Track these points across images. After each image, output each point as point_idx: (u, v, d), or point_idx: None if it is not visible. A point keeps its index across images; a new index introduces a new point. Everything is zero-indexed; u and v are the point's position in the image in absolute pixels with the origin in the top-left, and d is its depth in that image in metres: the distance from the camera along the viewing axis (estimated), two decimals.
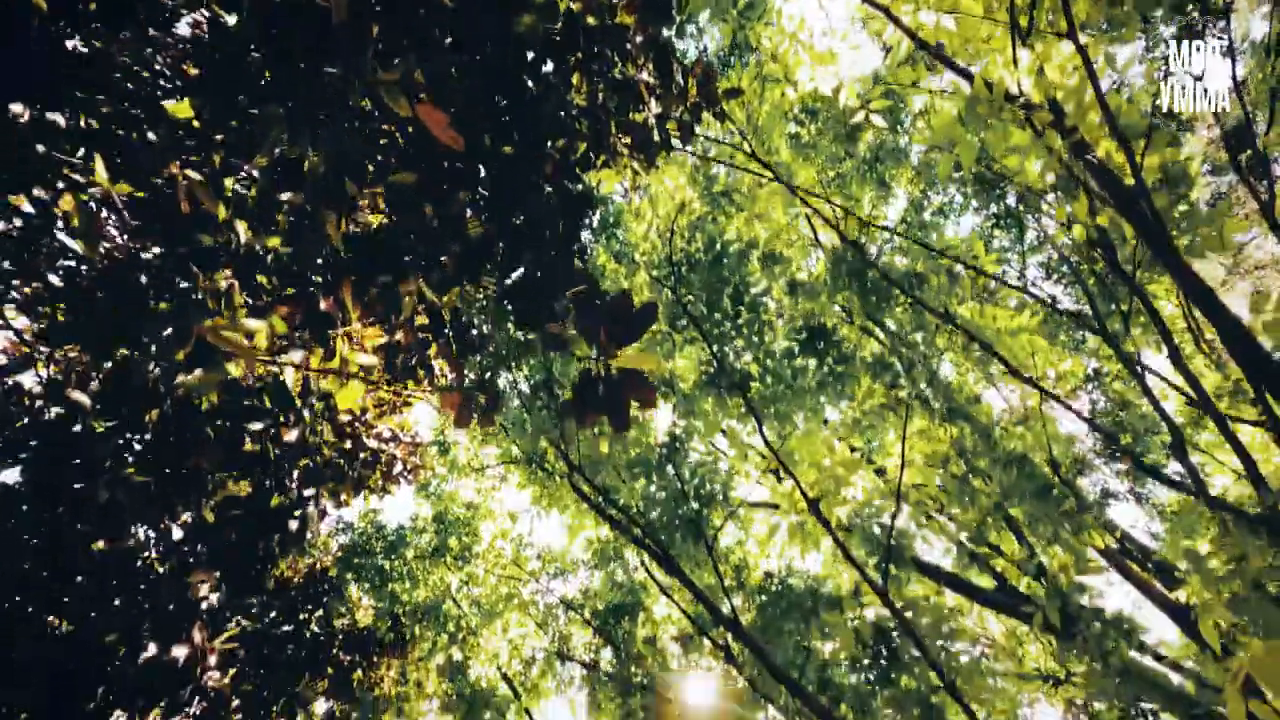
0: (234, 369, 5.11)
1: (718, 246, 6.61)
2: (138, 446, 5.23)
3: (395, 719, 9.26)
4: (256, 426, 4.78)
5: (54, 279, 4.02)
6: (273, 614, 9.52)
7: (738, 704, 7.23)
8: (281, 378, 5.16)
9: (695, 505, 7.58)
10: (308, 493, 6.12)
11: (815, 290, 5.77)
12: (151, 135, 3.50)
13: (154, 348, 4.77)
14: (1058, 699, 7.29)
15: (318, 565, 11.07)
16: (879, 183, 6.34)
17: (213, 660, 5.55)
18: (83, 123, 3.46)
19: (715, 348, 6.22)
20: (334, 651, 10.64)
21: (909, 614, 4.93)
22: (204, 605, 5.86)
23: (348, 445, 8.75)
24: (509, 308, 4.35)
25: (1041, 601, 7.82)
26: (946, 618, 4.68)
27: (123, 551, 5.92)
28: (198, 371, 4.98)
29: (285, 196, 3.81)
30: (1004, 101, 4.00)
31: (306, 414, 5.42)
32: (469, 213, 3.85)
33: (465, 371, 7.39)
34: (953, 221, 6.58)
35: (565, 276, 4.07)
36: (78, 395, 5.37)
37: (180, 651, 5.31)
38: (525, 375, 8.21)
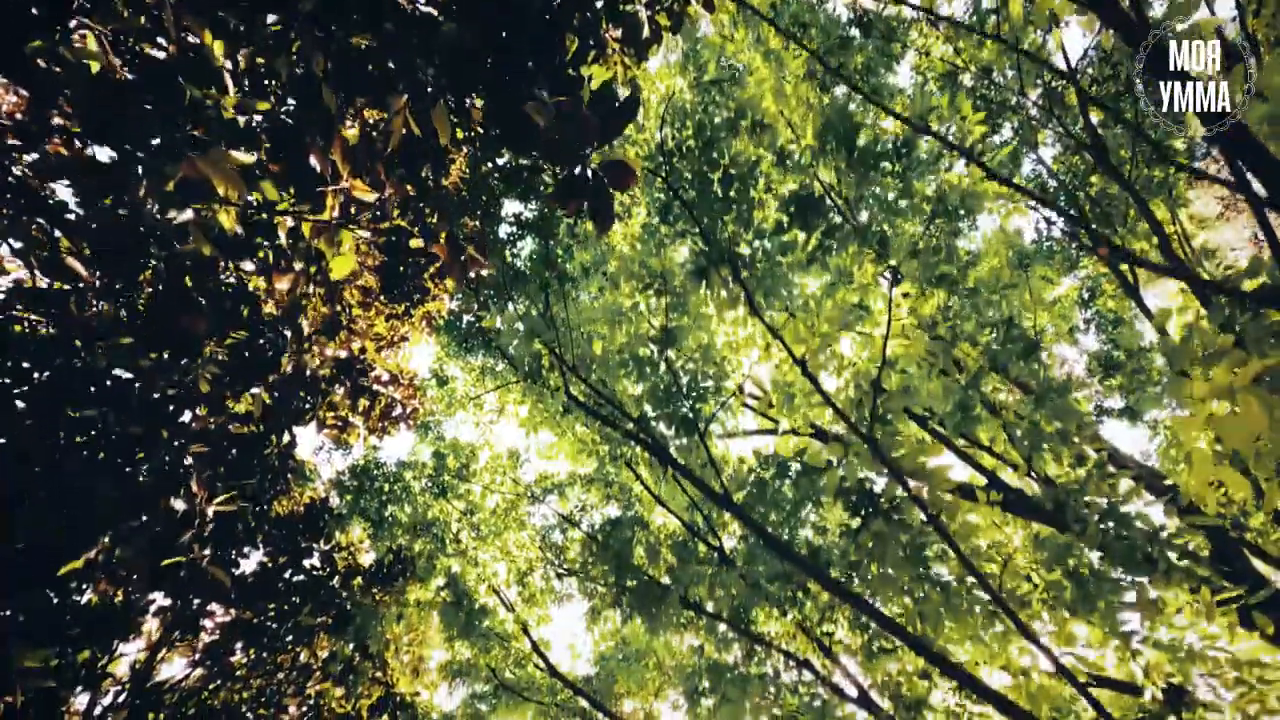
0: (225, 220, 5.16)
1: (708, 132, 6.62)
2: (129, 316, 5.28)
3: (395, 624, 9.41)
4: (249, 267, 4.83)
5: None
6: (276, 546, 9.59)
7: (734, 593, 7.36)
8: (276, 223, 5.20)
9: (688, 402, 7.65)
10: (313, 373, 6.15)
11: (804, 162, 5.80)
12: None
13: (145, 172, 4.82)
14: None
15: (318, 497, 11.18)
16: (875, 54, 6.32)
17: (210, 512, 5.65)
18: None
19: (705, 221, 6.26)
20: (334, 585, 10.77)
21: (894, 455, 5.01)
22: (203, 475, 5.96)
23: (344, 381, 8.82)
24: (495, 132, 4.38)
25: (1037, 497, 7.90)
26: (928, 452, 4.76)
27: (122, 420, 5.99)
28: (188, 212, 5.04)
29: (271, 19, 3.83)
30: None
31: (299, 266, 5.48)
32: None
33: (454, 231, 7.39)
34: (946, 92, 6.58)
35: (547, 74, 4.10)
36: (73, 263, 5.42)
37: (178, 504, 5.41)
38: (523, 260, 8.24)
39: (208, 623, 8.74)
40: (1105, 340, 10.60)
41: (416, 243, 9.84)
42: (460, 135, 8.90)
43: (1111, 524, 4.90)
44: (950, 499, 4.80)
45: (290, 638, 9.62)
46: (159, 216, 4.78)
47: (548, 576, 9.83)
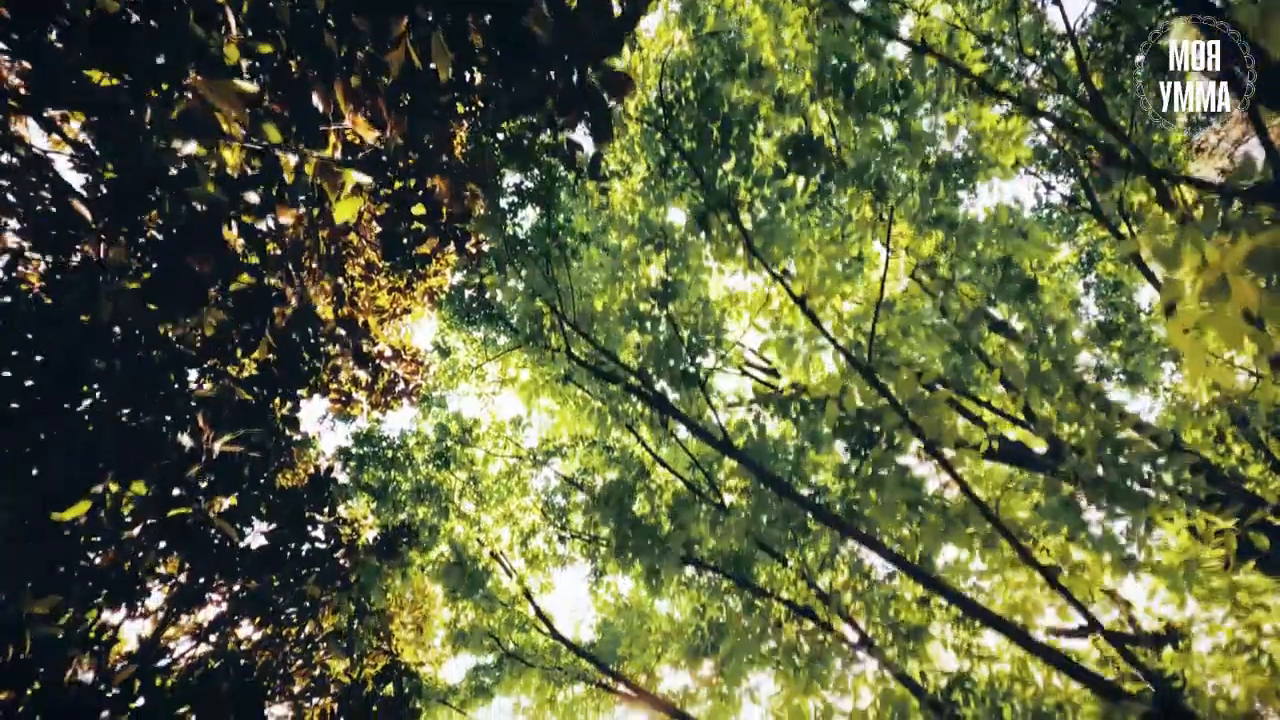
0: (229, 156, 5.21)
1: (707, 81, 6.66)
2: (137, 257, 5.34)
3: (400, 591, 9.48)
4: (253, 198, 4.88)
5: None
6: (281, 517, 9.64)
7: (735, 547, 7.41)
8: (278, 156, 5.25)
9: (688, 357, 7.71)
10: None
11: (802, 103, 5.83)
12: None
13: (149, 107, 4.88)
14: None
15: (322, 468, 11.25)
16: None
17: (216, 447, 5.72)
18: None
19: (705, 171, 6.30)
20: (338, 557, 10.83)
21: (891, 387, 5.05)
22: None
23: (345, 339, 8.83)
24: (495, 51, 4.42)
25: (1035, 452, 7.94)
26: (924, 377, 4.80)
27: (127, 365, 6.05)
28: (192, 145, 5.09)
29: None
30: None
31: (303, 207, 5.54)
32: None
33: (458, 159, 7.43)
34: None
35: None
36: (80, 207, 5.48)
37: (185, 439, 5.48)
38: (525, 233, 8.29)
39: (214, 595, 8.81)
40: (1105, 305, 10.63)
41: (419, 209, 9.87)
42: (461, 109, 9.00)
43: (1108, 449, 4.95)
44: (948, 424, 4.85)
45: (294, 610, 9.70)
46: (163, 146, 4.85)
47: (550, 539, 9.91)
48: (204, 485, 6.46)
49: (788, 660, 5.34)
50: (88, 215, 5.66)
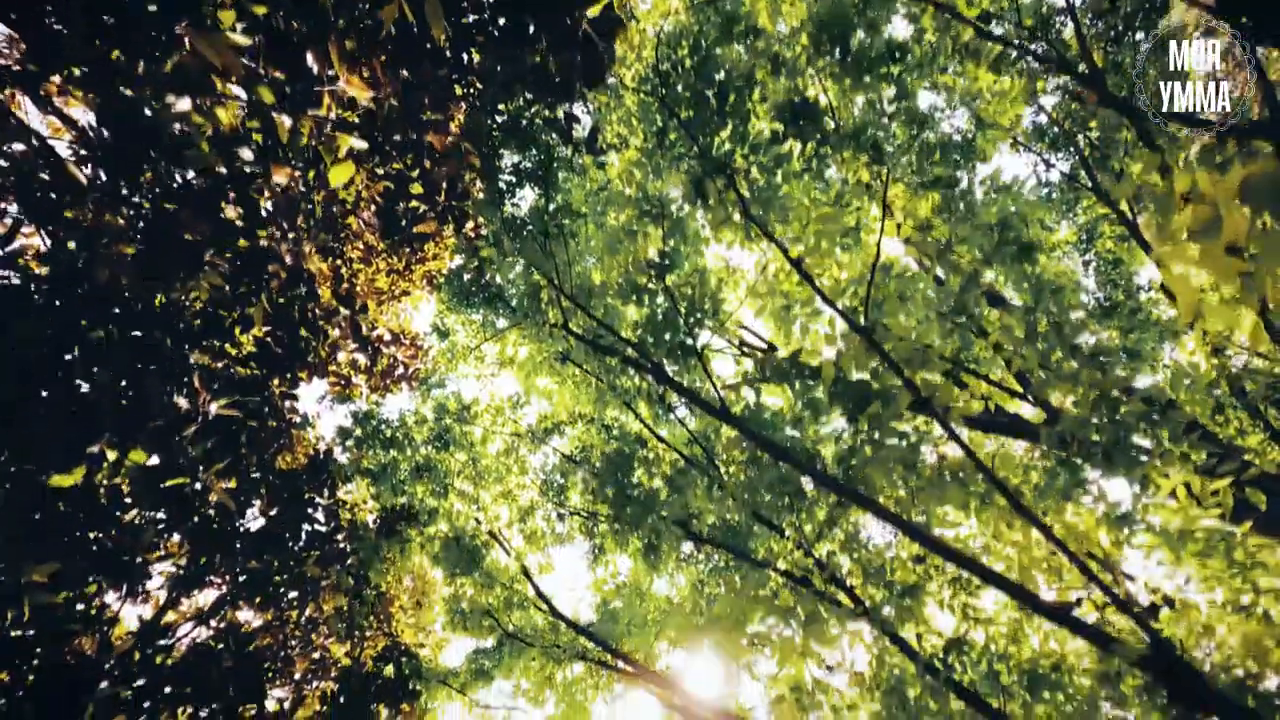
0: (223, 115, 5.20)
1: (703, 48, 6.64)
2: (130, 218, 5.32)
3: (399, 557, 9.50)
4: (247, 154, 4.86)
5: None
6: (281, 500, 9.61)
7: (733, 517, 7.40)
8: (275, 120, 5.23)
9: (685, 328, 7.71)
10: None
11: (799, 65, 5.81)
12: None
13: (144, 66, 4.85)
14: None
15: (320, 450, 11.26)
16: None
17: (213, 409, 5.72)
18: None
19: (701, 139, 6.29)
20: (339, 540, 10.82)
21: (888, 346, 5.05)
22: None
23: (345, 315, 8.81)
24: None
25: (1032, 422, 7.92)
26: (919, 339, 4.79)
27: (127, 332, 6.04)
28: (185, 101, 5.07)
29: None
30: None
31: (299, 170, 5.52)
32: None
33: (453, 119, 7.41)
34: None
35: None
36: (74, 170, 5.46)
37: (182, 401, 5.48)
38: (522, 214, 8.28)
39: (214, 579, 8.81)
40: (1104, 281, 10.61)
41: (417, 189, 9.82)
42: (460, 91, 8.94)
43: (1104, 409, 4.93)
44: (944, 382, 4.84)
45: (295, 594, 9.69)
46: (157, 106, 4.83)
47: (549, 517, 9.92)
48: (201, 452, 6.46)
49: (784, 622, 5.35)
50: (82, 180, 5.64)
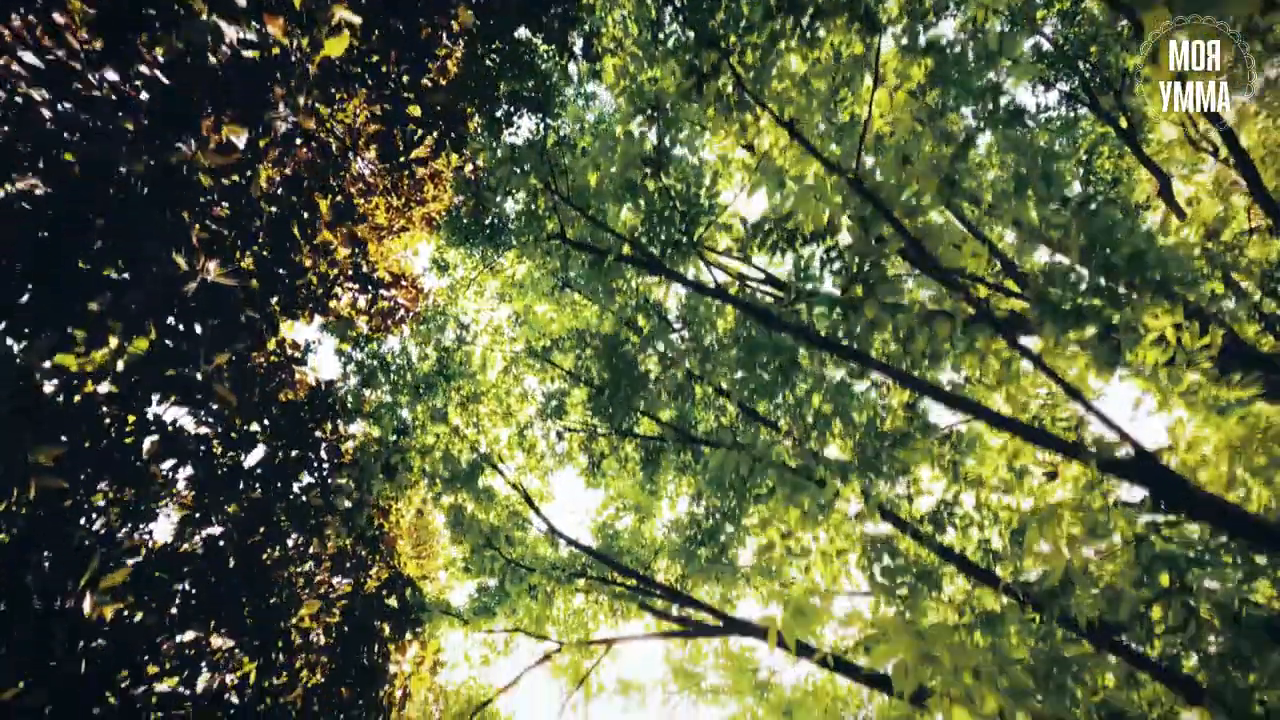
0: None
1: None
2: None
3: (394, 480, 9.59)
4: (241, 1, 4.90)
5: None
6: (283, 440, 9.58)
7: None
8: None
9: (682, 225, 7.75)
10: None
11: None
12: None
13: None
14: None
15: (320, 382, 11.32)
16: None
17: (212, 267, 5.79)
18: None
19: (695, 21, 6.31)
20: (343, 478, 10.87)
21: (881, 194, 5.08)
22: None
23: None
24: None
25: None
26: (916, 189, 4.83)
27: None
28: None
29: None
30: None
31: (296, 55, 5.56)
32: None
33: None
34: None
35: None
36: (70, 39, 5.49)
37: (180, 260, 5.56)
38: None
39: (219, 516, 8.89)
40: (1103, 201, 10.58)
41: (414, 110, 9.81)
42: (456, 26, 8.88)
43: (1094, 254, 4.97)
44: (936, 226, 4.87)
45: (299, 535, 9.77)
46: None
47: (548, 435, 10.00)
48: (205, 334, 6.52)
49: (779, 479, 5.43)
50: (74, 44, 5.66)
